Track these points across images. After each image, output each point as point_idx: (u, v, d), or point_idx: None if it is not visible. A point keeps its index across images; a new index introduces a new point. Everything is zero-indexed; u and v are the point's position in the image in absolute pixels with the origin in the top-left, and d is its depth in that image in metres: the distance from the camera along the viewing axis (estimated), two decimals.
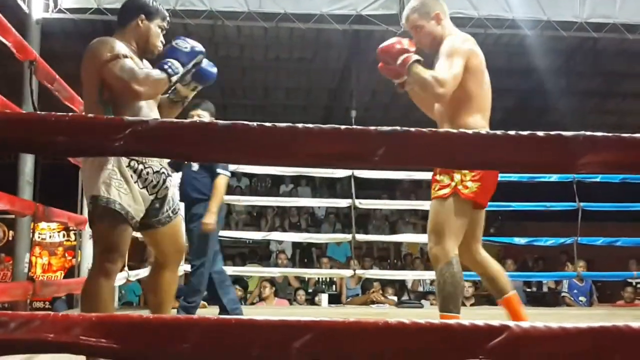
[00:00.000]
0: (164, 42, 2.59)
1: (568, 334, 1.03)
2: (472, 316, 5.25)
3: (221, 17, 6.43)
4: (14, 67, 4.27)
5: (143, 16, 2.53)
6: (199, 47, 2.54)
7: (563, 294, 7.37)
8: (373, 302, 6.83)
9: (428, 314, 5.62)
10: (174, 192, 2.63)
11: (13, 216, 6.81)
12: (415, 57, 2.63)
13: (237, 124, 1.05)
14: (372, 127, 1.07)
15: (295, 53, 8.88)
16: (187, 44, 2.50)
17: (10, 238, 10.43)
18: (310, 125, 1.06)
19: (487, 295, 8.37)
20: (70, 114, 1.01)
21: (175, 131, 1.04)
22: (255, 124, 1.05)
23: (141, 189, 2.45)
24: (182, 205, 3.67)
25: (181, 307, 4.28)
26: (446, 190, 2.67)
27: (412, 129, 1.08)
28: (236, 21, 6.56)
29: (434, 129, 1.08)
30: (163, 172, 2.54)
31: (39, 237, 9.92)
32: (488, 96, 2.79)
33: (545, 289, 8.42)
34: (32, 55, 2.97)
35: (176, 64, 2.45)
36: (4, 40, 2.39)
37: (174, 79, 2.45)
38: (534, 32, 6.56)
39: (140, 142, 1.01)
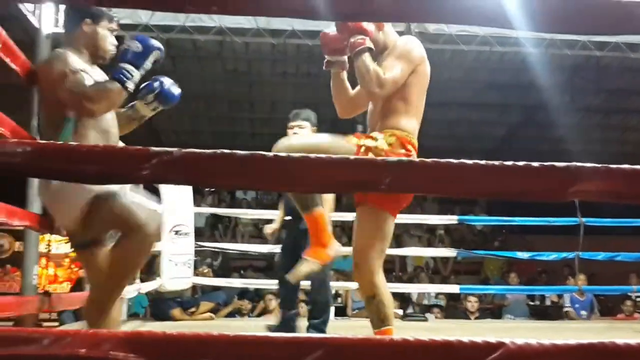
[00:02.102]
0: (115, 44, 2.49)
1: (559, 350, 1.12)
2: (475, 329, 5.32)
3: (230, 34, 6.53)
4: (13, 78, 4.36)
5: (88, 20, 2.42)
6: (155, 43, 2.38)
7: (566, 309, 7.42)
8: None
9: (433, 327, 5.68)
10: None
11: (20, 227, 6.89)
12: (369, 44, 2.51)
13: (255, 154, 1.14)
14: (380, 158, 1.17)
15: (302, 68, 9.00)
16: (137, 43, 2.33)
17: (16, 249, 10.53)
18: (322, 156, 1.15)
19: (490, 308, 8.44)
20: (101, 144, 1.10)
21: (197, 161, 1.13)
22: (272, 154, 1.15)
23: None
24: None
25: (312, 325, 4.17)
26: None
27: (416, 160, 1.17)
28: (244, 37, 6.66)
29: (436, 160, 1.17)
30: None
31: (45, 249, 9.99)
32: (422, 106, 2.67)
33: (548, 303, 8.48)
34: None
35: (129, 68, 2.29)
36: (12, 65, 2.44)
37: (130, 85, 2.29)
38: (538, 50, 6.65)
39: (165, 171, 1.11)
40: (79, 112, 2.27)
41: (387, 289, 2.52)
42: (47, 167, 1.17)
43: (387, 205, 2.52)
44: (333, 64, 2.68)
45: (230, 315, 6.95)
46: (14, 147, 1.16)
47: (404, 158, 1.19)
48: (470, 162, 1.20)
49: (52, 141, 1.29)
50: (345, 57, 2.65)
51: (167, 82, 2.59)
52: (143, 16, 6.29)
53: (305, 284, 4.42)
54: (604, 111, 10.10)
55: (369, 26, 2.53)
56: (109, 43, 2.47)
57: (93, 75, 2.38)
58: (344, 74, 2.72)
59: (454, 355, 1.14)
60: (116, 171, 1.12)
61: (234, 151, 1.15)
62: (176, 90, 2.61)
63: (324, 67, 2.72)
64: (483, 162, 1.20)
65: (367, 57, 2.49)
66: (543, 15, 1.26)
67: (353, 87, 2.79)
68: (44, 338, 1.08)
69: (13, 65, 2.41)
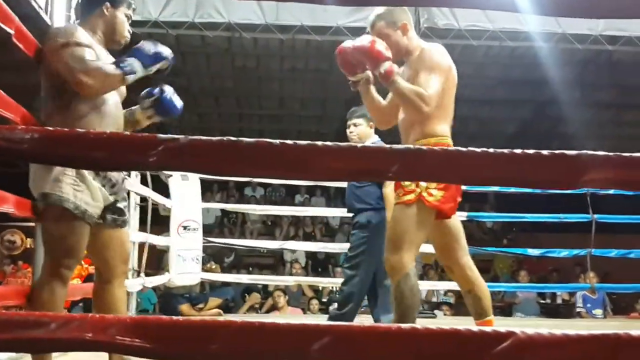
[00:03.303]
0: (131, 31, 2.52)
1: (570, 340, 1.10)
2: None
3: (239, 29, 6.54)
4: (35, 78, 4.38)
5: (108, 4, 2.42)
6: (166, 52, 2.38)
7: (578, 310, 7.38)
8: None
9: (442, 323, 5.66)
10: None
11: (32, 224, 6.94)
12: (397, 69, 2.62)
13: (261, 141, 1.13)
14: (387, 145, 1.15)
15: (311, 64, 8.99)
16: (152, 47, 2.35)
17: (28, 246, 10.60)
18: (329, 144, 1.14)
19: (500, 306, 8.41)
20: (108, 131, 1.10)
21: (204, 148, 1.12)
22: (278, 141, 1.14)
23: (101, 186, 2.32)
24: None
25: (331, 315, 4.25)
26: (411, 196, 2.62)
27: (424, 147, 1.16)
28: (253, 33, 6.66)
29: (444, 148, 1.16)
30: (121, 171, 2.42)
31: None
32: (453, 106, 2.78)
33: (559, 301, 8.44)
34: None
35: (135, 63, 2.29)
36: (27, 53, 2.45)
37: (130, 77, 2.29)
38: (549, 45, 6.61)
39: (173, 158, 1.10)
40: (72, 84, 2.25)
41: (416, 282, 2.66)
42: (54, 153, 1.17)
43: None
44: (358, 83, 2.76)
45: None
46: (22, 133, 1.16)
47: (412, 146, 1.18)
48: (479, 149, 1.19)
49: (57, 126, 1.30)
50: (368, 73, 2.72)
51: (169, 92, 2.56)
52: (153, 12, 6.31)
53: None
54: (616, 107, 10.02)
55: (385, 50, 2.59)
56: (126, 29, 2.49)
57: (101, 55, 2.36)
58: (372, 89, 2.81)
59: (462, 344, 1.13)
60: (123, 157, 1.11)
61: (241, 138, 1.14)
62: (178, 102, 2.57)
63: (351, 88, 2.81)
64: (492, 150, 1.19)
65: (402, 82, 2.58)
66: None
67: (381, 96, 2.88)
68: (52, 322, 1.08)
69: (27, 52, 2.42)
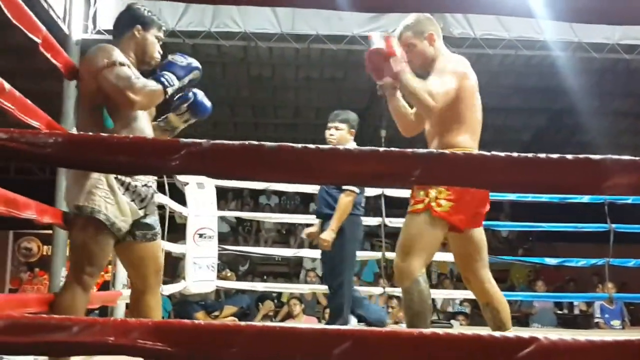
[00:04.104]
0: (161, 52, 2.60)
1: (594, 346, 1.09)
2: None
3: (254, 39, 6.56)
4: (51, 86, 4.42)
5: (139, 27, 2.51)
6: (195, 63, 2.54)
7: (597, 320, 7.30)
8: (401, 322, 6.84)
9: None
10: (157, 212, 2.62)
11: (48, 231, 6.98)
12: (408, 69, 2.60)
13: (284, 145, 1.13)
14: (409, 150, 1.15)
15: (326, 73, 9.00)
16: (183, 59, 2.51)
17: (44, 253, 10.68)
18: (351, 148, 1.14)
19: (517, 316, 8.33)
20: (131, 136, 1.10)
21: (226, 152, 1.13)
22: (300, 145, 1.14)
23: (130, 201, 2.40)
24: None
25: None
26: (420, 206, 2.64)
27: (447, 152, 1.16)
28: (269, 42, 6.68)
29: (467, 152, 1.15)
30: (150, 186, 2.50)
31: None
32: (479, 118, 2.77)
33: (576, 311, 8.34)
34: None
35: (172, 77, 2.44)
36: (54, 62, 2.50)
37: (169, 91, 2.43)
38: (565, 54, 6.57)
39: (195, 162, 1.11)
40: (119, 102, 2.34)
41: (426, 287, 2.64)
42: (77, 157, 1.18)
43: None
44: (386, 86, 2.74)
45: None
46: (46, 137, 1.17)
47: (434, 150, 1.17)
48: (502, 154, 1.18)
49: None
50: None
51: (200, 94, 2.67)
52: (169, 21, 6.34)
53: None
54: (634, 115, 9.93)
55: (398, 49, 2.59)
56: (157, 50, 2.57)
57: (136, 74, 2.45)
58: (399, 94, 2.78)
59: (484, 350, 1.12)
60: (146, 162, 1.12)
61: (263, 142, 1.15)
62: (208, 103, 2.69)
63: (378, 93, 2.81)
64: (515, 154, 1.18)
65: (410, 78, 2.55)
66: (567, 3, 1.24)
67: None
68: (74, 326, 1.08)
69: (54, 61, 2.46)
